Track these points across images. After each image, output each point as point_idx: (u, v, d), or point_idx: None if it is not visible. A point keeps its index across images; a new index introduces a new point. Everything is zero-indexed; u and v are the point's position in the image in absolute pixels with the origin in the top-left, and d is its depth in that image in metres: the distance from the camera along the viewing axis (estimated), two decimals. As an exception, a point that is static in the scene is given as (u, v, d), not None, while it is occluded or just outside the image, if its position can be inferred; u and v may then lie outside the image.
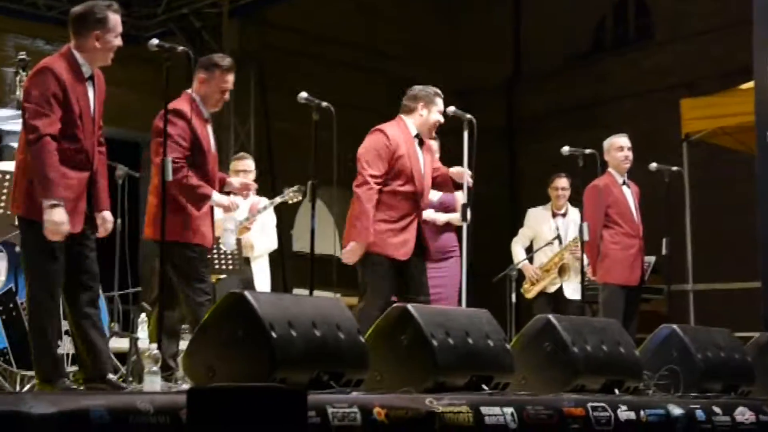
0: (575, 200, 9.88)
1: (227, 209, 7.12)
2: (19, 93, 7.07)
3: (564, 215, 10.34)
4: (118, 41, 6.24)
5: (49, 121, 5.88)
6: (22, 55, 7.01)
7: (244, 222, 9.10)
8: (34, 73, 6.03)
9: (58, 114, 5.91)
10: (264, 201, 9.12)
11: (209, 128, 7.09)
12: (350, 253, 7.45)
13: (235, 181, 7.39)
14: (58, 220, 5.83)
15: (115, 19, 6.20)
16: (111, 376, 6.23)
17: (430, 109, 7.78)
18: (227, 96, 7.16)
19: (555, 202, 10.38)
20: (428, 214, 8.36)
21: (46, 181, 5.82)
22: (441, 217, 8.70)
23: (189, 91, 7.04)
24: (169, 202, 6.51)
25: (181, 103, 6.95)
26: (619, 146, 9.36)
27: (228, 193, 7.33)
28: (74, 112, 5.98)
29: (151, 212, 6.94)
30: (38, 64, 6.13)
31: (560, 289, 10.16)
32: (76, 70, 6.07)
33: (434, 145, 8.16)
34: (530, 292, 10.25)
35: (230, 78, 7.13)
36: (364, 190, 7.49)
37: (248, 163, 9.43)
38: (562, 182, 10.34)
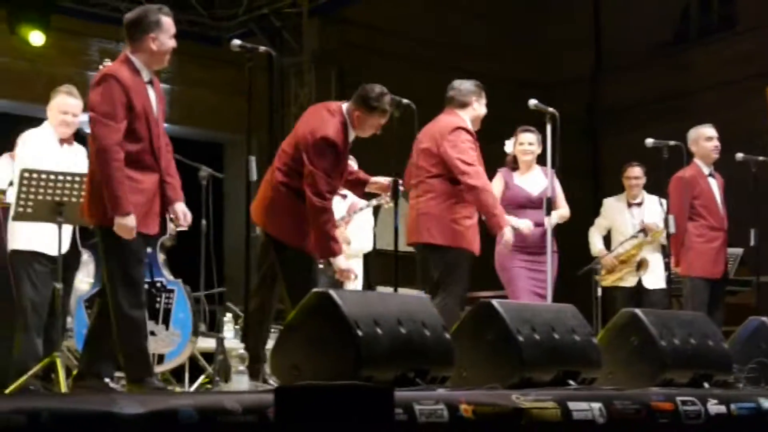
0: (659, 191, 9.77)
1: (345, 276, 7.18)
2: None
3: (639, 204, 10.23)
4: (172, 42, 6.29)
5: (116, 129, 5.96)
6: (108, 61, 7.11)
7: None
8: (98, 82, 6.12)
9: (124, 122, 5.99)
10: (362, 202, 9.11)
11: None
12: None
13: (380, 179, 7.37)
14: (130, 225, 5.94)
15: (167, 21, 6.28)
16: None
17: (480, 103, 7.97)
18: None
19: (629, 192, 10.27)
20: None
21: (115, 198, 5.91)
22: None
23: (343, 110, 7.06)
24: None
25: (334, 131, 6.95)
26: (708, 136, 9.26)
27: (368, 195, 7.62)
28: (140, 117, 6.06)
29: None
30: (100, 72, 6.22)
31: (640, 282, 10.04)
32: (137, 75, 6.16)
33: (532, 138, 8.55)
34: (606, 280, 10.15)
35: (385, 119, 7.13)
36: (482, 178, 7.72)
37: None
38: (635, 171, 10.22)
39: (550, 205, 7.80)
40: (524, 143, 8.56)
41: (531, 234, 8.18)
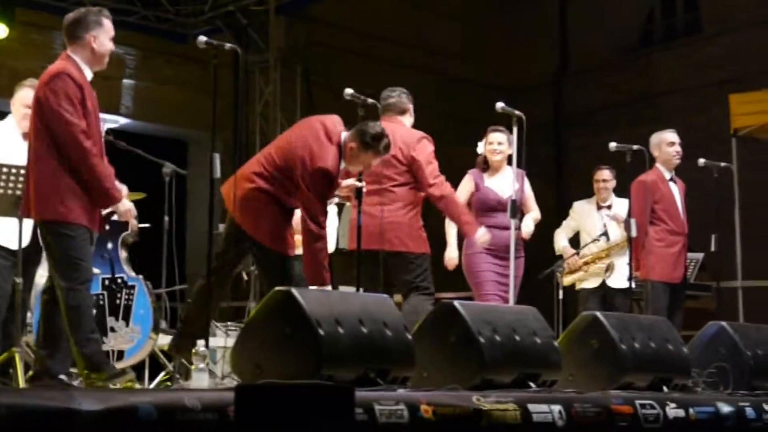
0: (622, 195, 9.81)
1: None
2: None
3: (609, 207, 10.25)
4: (111, 45, 6.40)
5: (79, 122, 6.10)
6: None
7: None
8: (51, 78, 6.17)
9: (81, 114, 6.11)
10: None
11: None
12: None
13: (350, 182, 7.32)
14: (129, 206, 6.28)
15: (108, 23, 6.38)
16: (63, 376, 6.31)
17: (412, 111, 8.22)
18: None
19: (599, 195, 10.30)
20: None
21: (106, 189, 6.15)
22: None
23: (341, 139, 7.03)
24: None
25: (333, 162, 6.95)
26: (669, 141, 9.31)
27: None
28: (91, 114, 6.17)
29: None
30: (49, 69, 6.25)
31: (603, 282, 10.07)
32: (82, 73, 6.26)
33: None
34: (566, 278, 10.16)
35: (377, 161, 7.15)
36: (448, 186, 7.88)
37: None
38: (605, 174, 10.25)
39: (515, 208, 7.77)
40: (493, 143, 8.53)
41: (500, 238, 8.14)
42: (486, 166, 8.62)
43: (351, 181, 7.21)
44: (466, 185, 8.53)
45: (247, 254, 7.31)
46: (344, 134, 7.01)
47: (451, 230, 8.43)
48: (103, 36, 6.33)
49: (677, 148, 9.28)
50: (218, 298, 7.29)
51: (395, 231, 7.73)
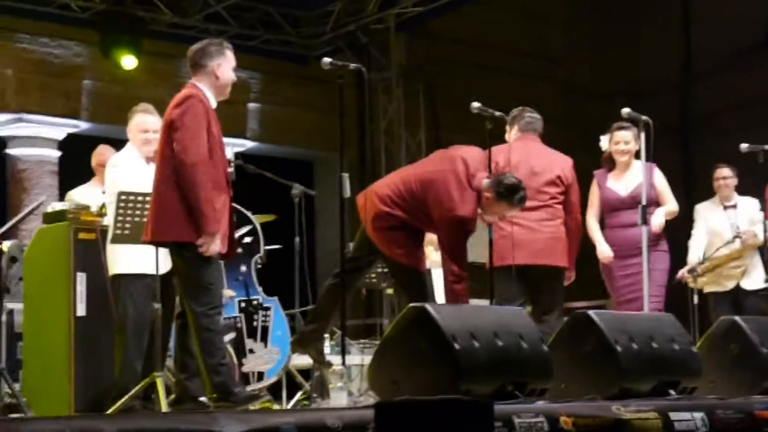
0: (755, 196, 9.64)
1: None
2: None
3: (734, 207, 10.06)
4: (233, 75, 6.55)
5: (203, 145, 6.24)
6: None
7: None
8: (181, 101, 6.35)
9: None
10: None
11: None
12: None
13: None
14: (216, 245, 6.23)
15: (230, 54, 6.54)
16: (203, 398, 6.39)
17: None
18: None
19: (720, 193, 10.10)
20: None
21: (205, 216, 6.21)
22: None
23: (481, 186, 7.03)
24: None
25: (471, 212, 7.01)
26: None
27: None
28: (216, 140, 6.31)
29: None
30: (178, 95, 6.38)
31: (737, 285, 9.90)
32: (208, 101, 6.41)
33: None
34: (692, 282, 9.97)
35: (511, 213, 7.21)
36: None
37: None
38: (724, 171, 10.05)
39: (645, 214, 7.67)
40: (620, 142, 8.42)
41: (624, 237, 8.22)
42: (612, 165, 8.54)
43: None
44: (594, 190, 8.59)
45: (377, 263, 7.40)
46: (484, 181, 6.99)
47: (593, 226, 8.50)
48: (226, 65, 6.48)
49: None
50: (347, 299, 7.34)
51: (559, 246, 7.79)
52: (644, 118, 7.61)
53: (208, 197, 6.17)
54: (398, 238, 7.03)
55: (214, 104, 6.44)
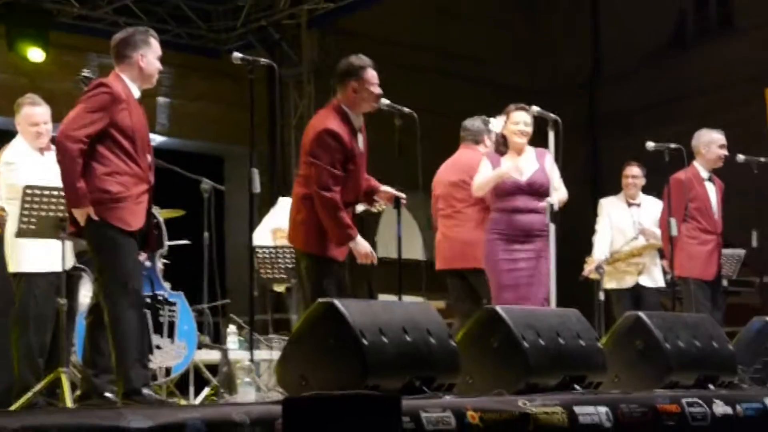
0: (659, 194, 9.75)
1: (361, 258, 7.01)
2: None
3: (638, 205, 10.18)
4: (158, 64, 6.45)
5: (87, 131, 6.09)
6: (87, 72, 7.12)
7: None
8: (90, 88, 6.26)
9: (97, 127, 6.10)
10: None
11: (362, 140, 7.09)
12: None
13: (389, 189, 7.20)
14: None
15: (155, 43, 6.47)
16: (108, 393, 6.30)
17: (491, 139, 8.24)
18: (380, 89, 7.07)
19: (626, 191, 10.19)
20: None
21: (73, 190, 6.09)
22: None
23: (338, 104, 6.99)
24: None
25: (331, 122, 6.90)
26: (721, 144, 9.14)
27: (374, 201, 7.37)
28: (134, 128, 6.17)
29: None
30: (93, 82, 6.32)
31: (637, 282, 10.03)
32: (129, 91, 6.30)
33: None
34: (596, 276, 10.06)
35: (374, 72, 7.10)
36: None
37: None
38: (634, 170, 10.14)
39: (553, 212, 7.67)
40: (519, 123, 7.90)
41: (520, 222, 7.81)
42: (504, 148, 8.01)
43: (389, 189, 7.18)
44: (486, 168, 7.96)
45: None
46: (336, 100, 7.02)
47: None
48: (151, 55, 6.39)
49: (725, 151, 9.17)
50: None
51: (470, 249, 7.92)
52: (553, 116, 7.66)
53: (72, 174, 6.04)
54: (306, 218, 6.95)
55: (137, 94, 6.32)
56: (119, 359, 6.04)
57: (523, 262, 7.72)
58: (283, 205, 9.87)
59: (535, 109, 7.71)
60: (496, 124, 8.01)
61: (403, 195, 7.10)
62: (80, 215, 6.06)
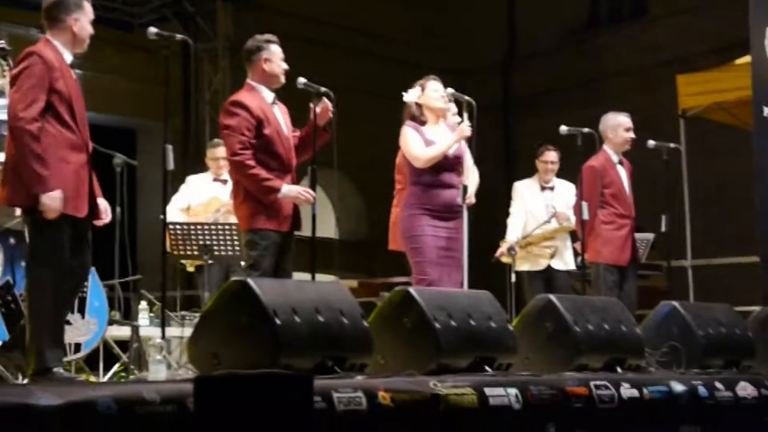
0: (571, 178, 9.84)
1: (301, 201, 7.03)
2: (2, 82, 7.10)
3: (552, 189, 10.28)
4: (91, 28, 6.30)
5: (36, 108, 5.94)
6: (2, 43, 7.01)
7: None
8: (21, 59, 6.07)
9: (43, 98, 5.96)
10: None
11: (278, 112, 7.12)
12: None
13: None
14: (55, 203, 5.90)
15: (88, 6, 6.30)
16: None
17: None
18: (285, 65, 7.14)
19: (544, 176, 10.27)
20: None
21: (36, 176, 5.86)
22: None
23: (247, 81, 7.11)
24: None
25: (237, 96, 7.06)
26: (627, 126, 9.23)
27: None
28: (66, 96, 6.04)
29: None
30: (27, 49, 6.18)
31: (548, 265, 10.12)
32: (60, 57, 6.15)
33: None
34: (508, 259, 10.15)
35: (278, 48, 7.17)
36: None
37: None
38: (552, 156, 10.22)
39: (466, 193, 7.72)
40: (438, 90, 7.87)
41: (444, 197, 7.72)
42: (422, 119, 7.88)
43: (328, 103, 7.12)
44: (416, 137, 7.77)
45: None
46: (248, 79, 7.15)
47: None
48: (84, 19, 6.22)
49: (632, 134, 9.26)
50: None
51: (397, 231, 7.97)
52: (467, 98, 7.69)
53: (33, 156, 5.94)
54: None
55: (69, 59, 6.18)
56: (31, 334, 5.97)
57: (445, 240, 7.67)
58: (193, 183, 9.84)
59: (450, 90, 7.74)
60: (411, 94, 7.87)
61: (315, 168, 7.04)
62: (51, 200, 5.91)
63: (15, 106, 5.94)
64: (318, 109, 7.08)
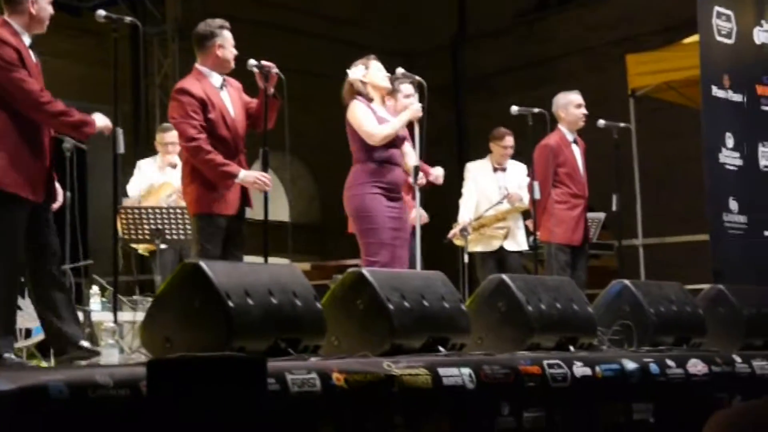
0: (522, 158, 9.88)
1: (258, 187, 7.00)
2: None
3: (504, 170, 10.31)
4: (50, 9, 6.28)
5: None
6: None
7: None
8: None
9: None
10: None
11: (226, 95, 7.06)
12: None
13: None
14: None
15: None
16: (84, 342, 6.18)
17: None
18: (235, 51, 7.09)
19: (500, 158, 10.31)
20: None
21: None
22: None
23: (195, 67, 7.06)
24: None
25: (182, 82, 7.04)
26: (578, 103, 9.29)
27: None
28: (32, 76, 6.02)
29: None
30: None
31: (501, 246, 10.16)
32: (18, 37, 6.12)
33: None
34: (461, 241, 10.18)
35: (228, 33, 7.12)
36: None
37: (175, 134, 9.16)
38: (509, 140, 10.28)
39: (418, 174, 7.73)
40: (382, 69, 7.80)
41: (395, 175, 7.68)
42: (370, 98, 7.76)
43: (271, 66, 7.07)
44: (369, 113, 7.69)
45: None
46: (197, 64, 7.12)
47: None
48: (43, 1, 6.20)
49: (584, 110, 9.31)
50: None
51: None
52: (418, 78, 7.69)
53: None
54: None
55: (28, 40, 6.16)
56: None
57: (397, 221, 7.64)
58: (143, 167, 9.79)
59: (400, 71, 7.74)
60: (355, 72, 7.78)
61: (267, 150, 7.01)
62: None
63: None
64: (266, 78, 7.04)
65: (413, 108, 7.65)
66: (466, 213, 10.17)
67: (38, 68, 6.18)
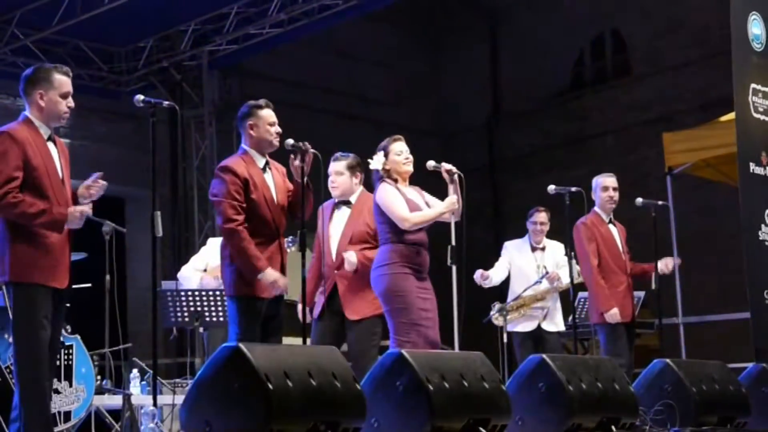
0: (560, 237, 9.86)
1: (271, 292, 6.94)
2: None
3: (543, 249, 10.31)
4: (63, 100, 6.27)
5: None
6: None
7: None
8: None
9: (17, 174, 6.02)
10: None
11: (270, 177, 7.05)
12: None
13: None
14: None
15: (60, 79, 6.26)
16: None
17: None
18: (278, 128, 7.07)
19: (534, 236, 10.30)
20: None
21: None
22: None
23: (240, 148, 7.07)
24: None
25: (226, 161, 7.00)
26: (604, 186, 9.32)
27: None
28: (42, 172, 6.06)
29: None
30: None
31: (538, 326, 10.11)
32: (35, 132, 6.17)
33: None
34: (499, 320, 10.16)
35: (270, 111, 7.11)
36: None
37: None
38: (542, 216, 10.27)
39: (453, 253, 7.70)
40: (402, 152, 7.74)
41: (424, 257, 7.63)
42: (395, 179, 7.74)
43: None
44: (399, 197, 7.66)
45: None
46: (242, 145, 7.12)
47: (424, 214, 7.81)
48: (53, 92, 6.20)
49: (611, 193, 9.30)
50: None
51: None
52: (455, 170, 7.60)
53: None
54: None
55: (46, 133, 6.20)
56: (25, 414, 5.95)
57: (427, 302, 7.57)
58: (212, 243, 9.81)
59: (431, 164, 7.66)
60: (376, 161, 7.77)
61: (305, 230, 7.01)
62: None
63: None
64: (294, 164, 7.05)
65: (450, 200, 7.63)
66: (496, 275, 10.18)
67: (52, 160, 6.21)
